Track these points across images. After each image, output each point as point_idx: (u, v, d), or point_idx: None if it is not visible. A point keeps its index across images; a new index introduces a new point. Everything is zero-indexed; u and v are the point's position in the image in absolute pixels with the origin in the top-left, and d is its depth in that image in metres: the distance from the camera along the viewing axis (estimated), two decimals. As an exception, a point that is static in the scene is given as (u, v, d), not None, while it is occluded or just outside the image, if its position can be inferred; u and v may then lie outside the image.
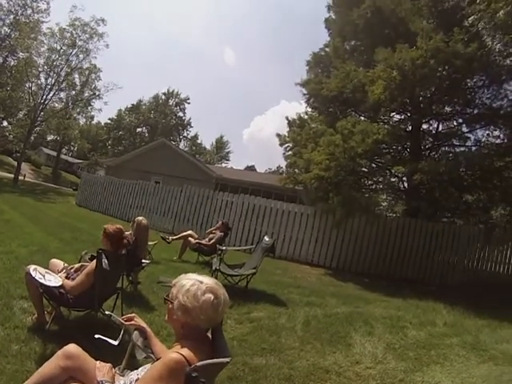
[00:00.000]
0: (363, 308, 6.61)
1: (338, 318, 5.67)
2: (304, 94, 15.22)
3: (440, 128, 14.16)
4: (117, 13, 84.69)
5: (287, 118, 15.54)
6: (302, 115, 15.48)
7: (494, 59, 10.03)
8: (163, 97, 68.21)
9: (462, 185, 11.93)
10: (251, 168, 58.24)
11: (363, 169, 12.96)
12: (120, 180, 17.57)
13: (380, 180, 14.48)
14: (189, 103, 69.05)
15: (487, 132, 13.21)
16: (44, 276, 3.38)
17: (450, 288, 10.24)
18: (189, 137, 71.42)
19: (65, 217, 13.88)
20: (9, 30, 31.18)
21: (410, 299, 7.89)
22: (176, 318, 1.61)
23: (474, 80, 12.66)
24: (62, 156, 60.77)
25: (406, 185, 13.96)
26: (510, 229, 12.03)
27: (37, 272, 3.36)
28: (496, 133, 13.01)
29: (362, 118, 13.99)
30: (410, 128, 14.06)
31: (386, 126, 13.28)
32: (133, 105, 67.07)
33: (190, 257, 8.88)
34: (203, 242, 8.85)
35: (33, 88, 32.05)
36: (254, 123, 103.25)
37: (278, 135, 14.96)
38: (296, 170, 13.49)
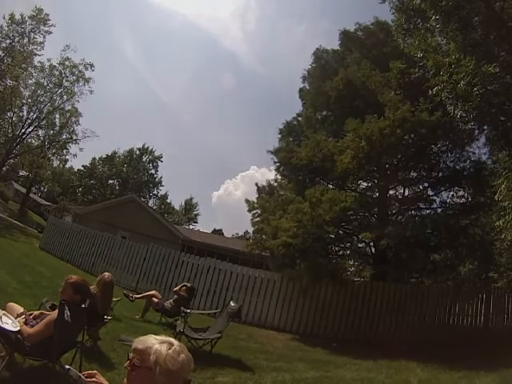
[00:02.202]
0: (333, 372, 6.55)
1: (307, 383, 5.58)
2: (275, 162, 15.92)
3: (406, 193, 14.91)
4: (103, 59, 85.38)
5: (257, 185, 16.18)
6: (271, 182, 16.15)
7: (456, 125, 10.84)
8: (138, 152, 68.55)
9: (428, 245, 12.35)
10: (218, 232, 57.88)
11: (331, 235, 13.13)
12: (86, 229, 17.12)
13: (347, 246, 14.71)
14: (162, 161, 69.27)
15: (451, 193, 14.03)
16: (1, 318, 3.28)
17: (422, 346, 10.11)
18: (159, 195, 70.96)
19: (26, 258, 13.36)
20: (2, 55, 31.57)
21: (380, 360, 7.79)
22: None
23: (438, 145, 13.64)
24: (31, 195, 59.07)
25: (373, 250, 14.18)
26: (479, 282, 12.19)
27: None
28: (460, 193, 13.86)
29: (331, 185, 14.47)
30: (377, 194, 14.73)
31: (353, 194, 13.87)
32: (107, 155, 66.81)
33: (153, 317, 8.71)
34: (167, 303, 8.68)
35: (13, 119, 32.01)
36: (223, 187, 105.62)
37: (247, 201, 15.23)
38: (263, 236, 13.56)
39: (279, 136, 17.32)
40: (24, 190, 55.76)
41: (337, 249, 14.58)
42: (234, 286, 12.62)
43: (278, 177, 16.23)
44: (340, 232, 13.96)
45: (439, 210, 13.62)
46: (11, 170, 49.29)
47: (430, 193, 14.37)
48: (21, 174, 57.46)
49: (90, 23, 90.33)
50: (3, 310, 3.60)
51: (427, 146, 13.02)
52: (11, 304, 3.95)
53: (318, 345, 9.76)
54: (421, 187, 14.89)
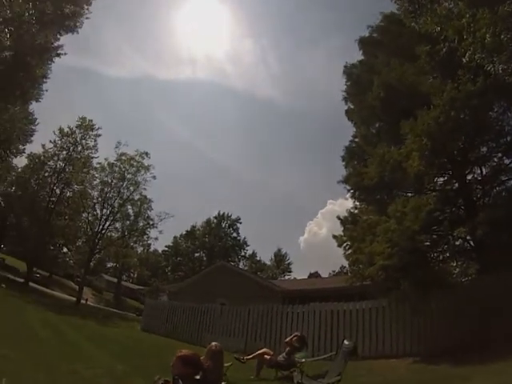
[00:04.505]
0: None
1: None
2: (348, 190, 15.66)
3: (484, 171, 13.81)
4: (160, 143, 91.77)
5: (338, 217, 15.74)
6: (352, 211, 15.72)
7: (503, 81, 10.06)
8: (215, 220, 70.71)
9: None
10: (315, 275, 56.89)
11: (425, 244, 12.44)
12: (184, 305, 17.76)
13: (445, 248, 13.88)
14: (240, 223, 70.87)
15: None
16: None
17: None
18: (247, 255, 72.07)
19: (130, 341, 14.04)
20: (63, 165, 35.44)
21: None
22: None
23: (495, 110, 12.74)
24: (123, 282, 62.93)
25: (471, 243, 13.21)
26: None
27: None
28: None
29: (409, 194, 13.91)
30: (457, 185, 13.91)
31: (433, 194, 13.11)
32: (187, 231, 69.80)
33: (268, 374, 8.66)
34: (279, 357, 8.63)
35: (89, 218, 34.75)
36: (307, 229, 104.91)
37: (334, 236, 14.87)
38: (360, 266, 13.20)
39: (344, 163, 17.07)
40: (115, 280, 59.66)
41: (435, 255, 13.75)
42: (343, 324, 12.37)
43: (357, 203, 15.92)
44: (433, 237, 13.21)
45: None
46: (99, 263, 52.94)
47: (507, 161, 13.39)
48: (109, 265, 61.69)
49: (135, 110, 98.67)
50: None
51: (484, 115, 12.24)
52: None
53: (442, 361, 9.05)
54: (495, 160, 13.82)
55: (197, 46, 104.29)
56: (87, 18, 21.19)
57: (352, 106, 17.43)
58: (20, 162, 38.62)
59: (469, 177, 13.91)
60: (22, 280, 31.87)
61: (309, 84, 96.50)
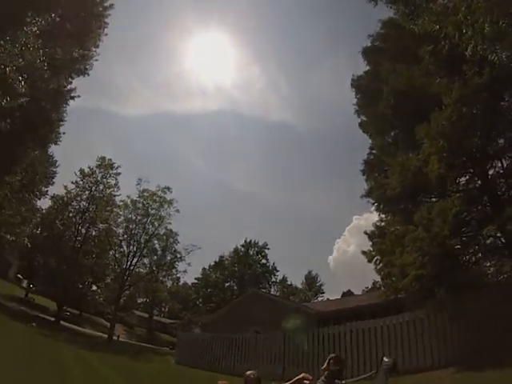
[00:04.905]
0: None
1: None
2: (372, 203, 15.44)
3: (504, 164, 13.45)
4: (181, 176, 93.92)
5: (366, 232, 15.53)
6: (377, 224, 15.45)
7: (508, 69, 9.73)
8: (242, 248, 70.24)
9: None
10: (348, 293, 56.01)
11: (456, 247, 12.02)
12: (218, 335, 17.62)
13: (476, 249, 13.38)
14: (268, 249, 70.02)
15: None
16: None
17: None
18: (277, 281, 71.17)
19: (164, 375, 13.92)
20: (86, 204, 36.04)
21: None
22: None
23: (506, 99, 12.48)
24: (154, 317, 62.85)
25: (502, 240, 12.70)
26: None
27: None
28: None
29: (434, 199, 13.56)
30: (480, 182, 13.50)
31: (457, 195, 12.80)
32: (215, 262, 69.34)
33: None
34: (319, 381, 8.27)
35: (116, 255, 35.06)
36: (335, 248, 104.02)
37: (364, 252, 14.71)
38: (393, 279, 12.83)
39: (364, 177, 17.01)
40: (146, 315, 59.60)
41: (467, 257, 13.26)
42: (381, 341, 11.99)
43: (382, 215, 15.62)
44: (463, 239, 12.77)
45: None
46: (129, 299, 53.11)
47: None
48: (139, 301, 61.80)
49: (152, 146, 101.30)
50: None
51: (496, 106, 11.94)
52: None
53: (485, 365, 8.62)
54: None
55: (206, 78, 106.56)
56: (96, 60, 22.08)
57: (365, 118, 17.40)
58: (44, 203, 39.92)
59: (490, 172, 13.57)
60: (52, 318, 32.13)
61: (320, 100, 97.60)
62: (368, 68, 17.24)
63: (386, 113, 14.73)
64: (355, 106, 17.67)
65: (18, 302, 32.83)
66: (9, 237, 29.26)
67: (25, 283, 43.83)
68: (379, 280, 20.04)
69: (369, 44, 16.80)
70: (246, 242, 70.12)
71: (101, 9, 20.47)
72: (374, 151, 17.12)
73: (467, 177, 13.95)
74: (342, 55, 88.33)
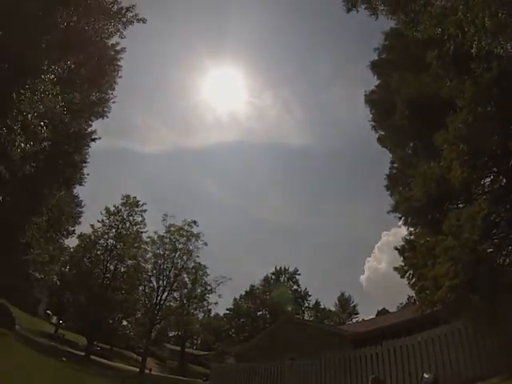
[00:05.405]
0: None
1: None
2: (399, 218, 15.28)
3: None
4: (206, 210, 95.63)
5: (396, 248, 15.28)
6: (407, 238, 15.21)
7: None
8: (273, 276, 69.96)
9: None
10: (383, 312, 54.62)
11: (488, 250, 11.62)
12: (252, 365, 17.37)
13: (510, 250, 12.82)
14: (299, 274, 69.72)
15: None
16: None
17: None
18: (310, 305, 70.63)
19: None
20: (114, 242, 36.73)
21: None
22: None
23: None
24: (187, 350, 62.24)
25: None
26: None
27: None
28: None
29: (460, 205, 13.22)
30: (505, 180, 13.07)
31: (484, 197, 12.44)
32: (246, 291, 68.84)
33: None
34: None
35: (146, 290, 35.48)
36: (367, 267, 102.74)
37: (396, 268, 14.52)
38: (427, 292, 12.43)
39: (389, 192, 16.78)
40: (178, 348, 59.10)
41: (501, 260, 12.73)
42: (420, 357, 11.47)
43: (411, 229, 15.29)
44: (495, 241, 12.29)
45: None
46: (160, 333, 52.90)
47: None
48: (171, 334, 61.45)
49: (174, 182, 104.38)
50: None
51: (509, 99, 11.64)
52: None
53: None
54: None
55: (221, 110, 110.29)
56: (113, 103, 22.94)
57: (382, 133, 17.31)
58: (71, 242, 40.56)
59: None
60: (82, 353, 32.31)
61: (336, 120, 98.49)
62: (379, 82, 17.27)
63: (402, 124, 14.65)
64: (371, 121, 17.63)
65: (48, 337, 33.39)
66: (37, 275, 29.89)
67: (54, 319, 44.68)
68: (413, 295, 19.48)
69: (376, 58, 16.90)
70: (276, 269, 69.83)
71: (113, 53, 21.42)
72: (395, 165, 16.94)
73: (491, 177, 13.57)
74: (351, 72, 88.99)
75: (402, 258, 14.71)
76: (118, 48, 21.53)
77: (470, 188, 12.58)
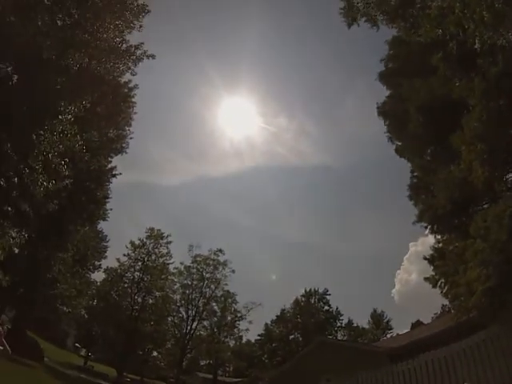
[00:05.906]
0: None
1: None
2: (425, 227, 15.03)
3: None
4: (232, 237, 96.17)
5: (425, 258, 15.15)
6: (435, 246, 15.05)
7: None
8: (303, 298, 69.48)
9: None
10: (417, 324, 53.13)
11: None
12: None
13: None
14: (329, 294, 69.08)
15: None
16: None
17: None
18: (343, 325, 69.58)
19: None
20: (140, 274, 37.06)
21: None
22: None
23: None
24: (219, 377, 61.24)
25: None
26: None
27: None
28: None
29: (486, 206, 12.94)
30: None
31: (508, 194, 12.17)
32: (277, 316, 68.51)
33: None
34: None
35: (175, 321, 35.67)
36: (397, 279, 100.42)
37: (426, 278, 14.24)
38: (461, 299, 12.05)
39: (412, 202, 16.43)
40: (210, 376, 58.26)
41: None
42: (460, 366, 10.96)
43: (438, 236, 15.05)
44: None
45: None
46: (191, 362, 52.46)
47: None
48: (202, 363, 60.81)
49: (197, 211, 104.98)
50: None
51: None
52: None
53: None
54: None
55: (237, 137, 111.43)
56: (131, 138, 23.70)
57: (399, 143, 17.20)
58: (98, 276, 41.38)
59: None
60: (112, 385, 32.24)
61: (352, 135, 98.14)
62: (389, 92, 17.26)
63: (417, 132, 14.55)
64: (386, 133, 17.56)
65: (77, 369, 33.42)
66: (65, 308, 30.32)
67: (83, 352, 44.86)
68: (447, 303, 18.84)
69: (383, 68, 16.95)
70: (306, 291, 69.17)
71: (126, 90, 22.27)
72: (415, 174, 16.73)
73: (513, 171, 13.31)
74: (362, 85, 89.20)
75: (431, 267, 14.43)
76: (131, 85, 22.50)
77: (493, 187, 12.26)
